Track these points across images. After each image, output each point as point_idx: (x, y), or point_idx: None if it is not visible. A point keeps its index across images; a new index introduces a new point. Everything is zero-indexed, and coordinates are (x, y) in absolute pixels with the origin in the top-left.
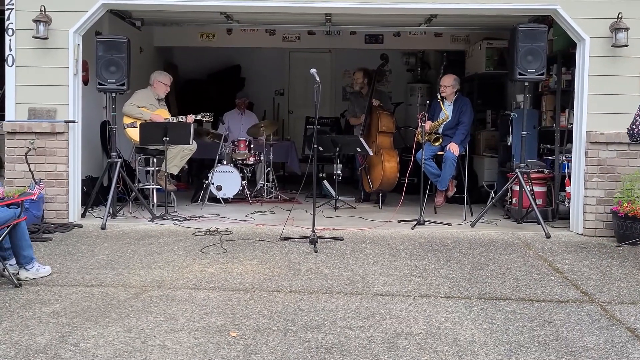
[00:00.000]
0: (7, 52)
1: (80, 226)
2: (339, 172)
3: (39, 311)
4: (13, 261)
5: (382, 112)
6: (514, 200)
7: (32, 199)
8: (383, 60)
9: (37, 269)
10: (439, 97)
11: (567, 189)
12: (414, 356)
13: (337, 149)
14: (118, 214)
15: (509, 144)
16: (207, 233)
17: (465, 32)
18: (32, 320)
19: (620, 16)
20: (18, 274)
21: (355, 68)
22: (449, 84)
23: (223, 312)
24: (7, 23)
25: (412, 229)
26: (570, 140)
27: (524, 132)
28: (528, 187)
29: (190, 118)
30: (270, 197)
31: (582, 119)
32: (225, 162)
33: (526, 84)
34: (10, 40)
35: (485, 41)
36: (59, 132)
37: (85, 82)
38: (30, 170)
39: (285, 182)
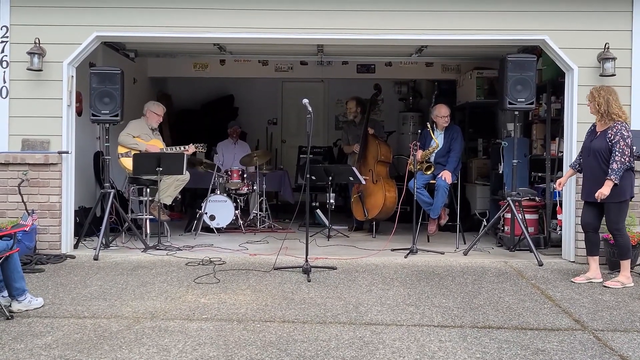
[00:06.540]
0: (1, 84)
1: (72, 257)
2: (332, 201)
3: (31, 343)
4: (5, 293)
5: (381, 142)
6: (506, 228)
7: (25, 231)
8: (376, 91)
9: (29, 300)
10: (428, 126)
11: (558, 216)
12: None
13: (330, 178)
14: (111, 245)
15: (501, 172)
16: (200, 263)
17: (456, 62)
18: (24, 353)
19: (607, 46)
20: (10, 306)
21: (347, 97)
22: (447, 113)
23: (216, 343)
24: (1, 55)
25: (405, 257)
26: (560, 168)
27: (515, 161)
28: (520, 215)
29: (192, 148)
30: (264, 227)
31: (572, 147)
32: (218, 192)
33: (516, 112)
34: (4, 72)
35: (475, 71)
36: (52, 163)
37: (79, 113)
38: (23, 201)
39: (279, 211)
